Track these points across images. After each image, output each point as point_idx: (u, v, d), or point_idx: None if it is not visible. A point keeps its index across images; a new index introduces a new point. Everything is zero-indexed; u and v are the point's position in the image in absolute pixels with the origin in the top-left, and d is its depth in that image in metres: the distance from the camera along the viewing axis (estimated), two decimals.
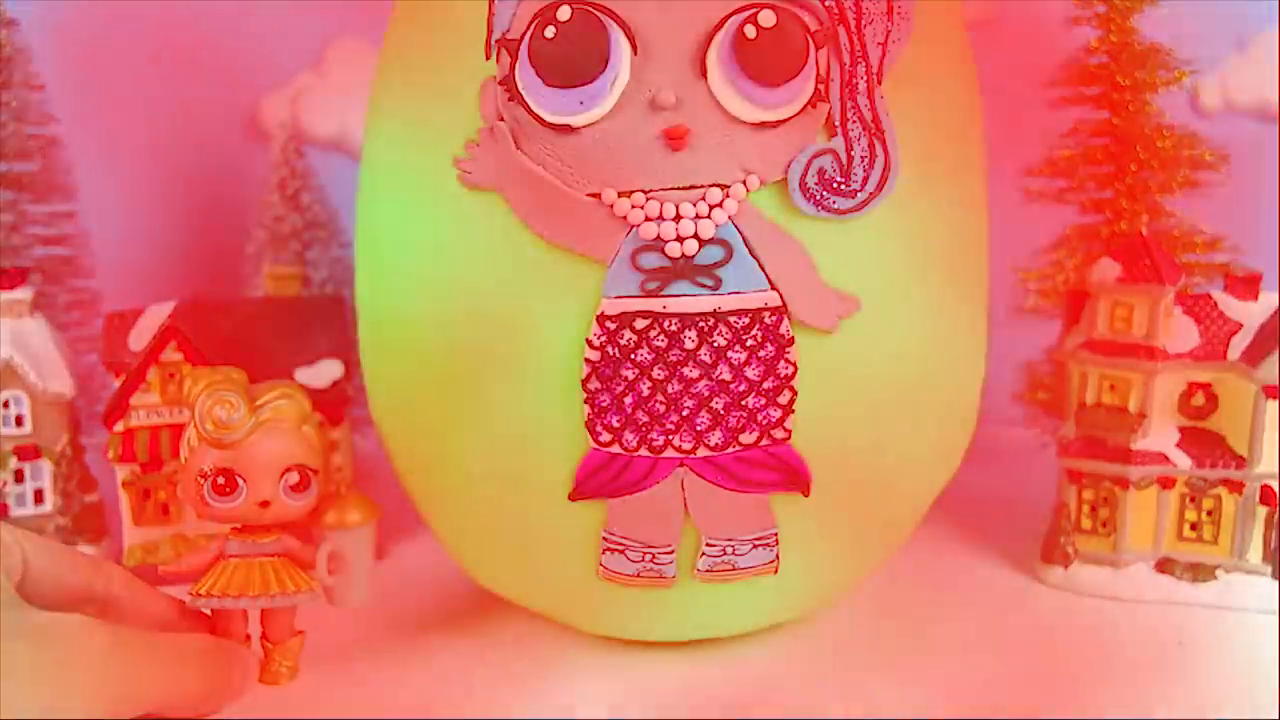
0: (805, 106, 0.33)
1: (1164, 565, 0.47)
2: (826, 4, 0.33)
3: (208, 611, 0.37)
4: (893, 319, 0.35)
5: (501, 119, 0.34)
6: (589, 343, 0.34)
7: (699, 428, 0.35)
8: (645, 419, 0.34)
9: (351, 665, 0.41)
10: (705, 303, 0.34)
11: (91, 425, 0.57)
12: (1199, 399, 0.47)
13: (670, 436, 0.35)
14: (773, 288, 0.34)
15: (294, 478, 0.36)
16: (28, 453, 0.49)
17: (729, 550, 0.36)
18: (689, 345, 0.34)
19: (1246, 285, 0.47)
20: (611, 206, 0.33)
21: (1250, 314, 0.46)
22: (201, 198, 0.75)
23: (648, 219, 0.33)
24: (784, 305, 0.34)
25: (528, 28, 0.33)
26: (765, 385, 0.34)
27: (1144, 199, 0.58)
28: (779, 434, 0.35)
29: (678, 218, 0.33)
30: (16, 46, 0.62)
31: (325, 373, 0.52)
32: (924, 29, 0.35)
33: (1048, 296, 0.61)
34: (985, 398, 0.41)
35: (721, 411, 0.34)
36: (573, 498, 0.36)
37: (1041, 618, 0.45)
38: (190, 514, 0.49)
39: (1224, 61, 0.72)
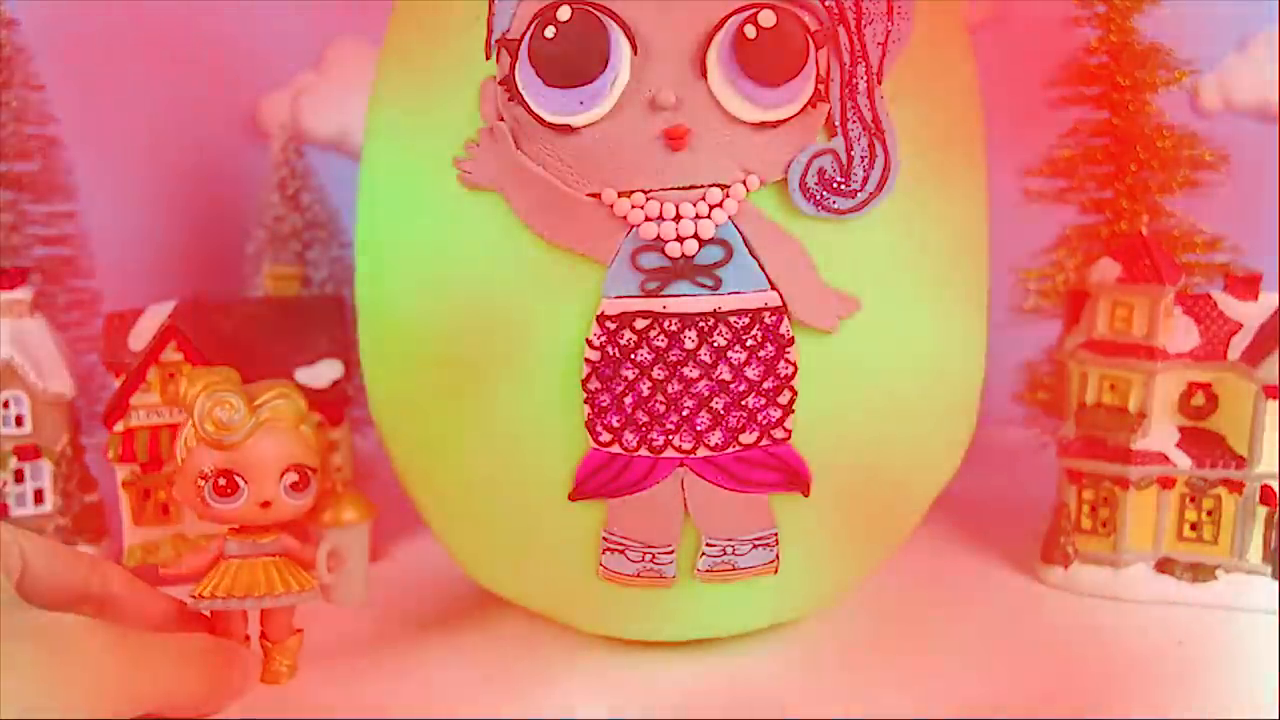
0: (805, 106, 0.33)
1: (1164, 565, 0.47)
2: (826, 4, 0.33)
3: (207, 612, 0.37)
4: (893, 319, 0.35)
5: (501, 119, 0.34)
6: (589, 343, 0.34)
7: (699, 428, 0.35)
8: (645, 419, 0.34)
9: (351, 665, 0.41)
10: (705, 303, 0.34)
11: (91, 425, 0.57)
12: (1199, 399, 0.47)
13: (670, 436, 0.35)
14: (773, 288, 0.34)
15: (293, 477, 0.36)
16: (28, 453, 0.49)
17: (729, 550, 0.36)
18: (689, 345, 0.34)
19: (1246, 285, 0.47)
20: (611, 206, 0.33)
21: (1250, 314, 0.46)
22: (201, 198, 0.75)
23: (648, 219, 0.33)
24: (784, 305, 0.34)
25: (528, 28, 0.33)
26: (765, 385, 0.34)
27: (1144, 199, 0.58)
28: (779, 434, 0.35)
29: (678, 218, 0.33)
30: (16, 46, 0.62)
31: (325, 373, 0.51)
32: (924, 29, 0.35)
33: (1048, 296, 0.61)
34: (985, 398, 0.41)
35: (721, 411, 0.34)
36: (573, 498, 0.36)
37: (1041, 618, 0.45)
38: (190, 514, 0.49)
39: (1224, 61, 0.72)
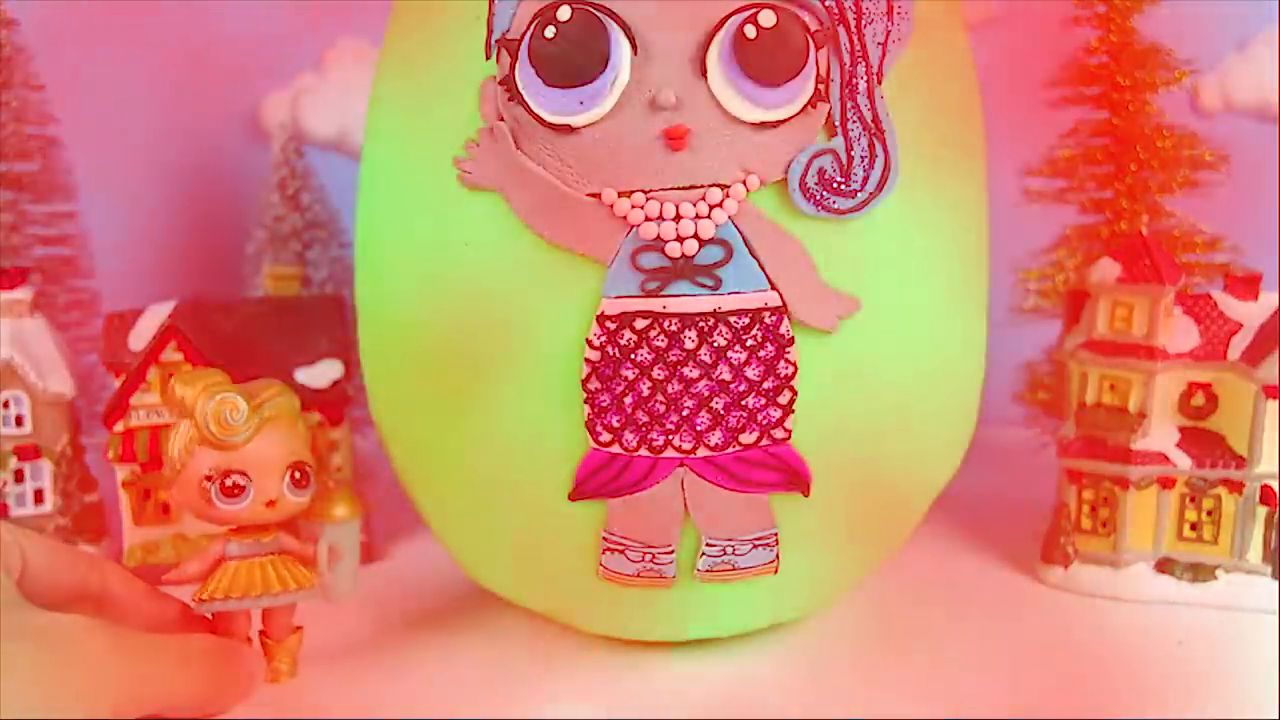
0: (805, 106, 0.33)
1: (1164, 565, 0.47)
2: (827, 4, 0.33)
3: (208, 614, 0.37)
4: (893, 319, 0.35)
5: (501, 119, 0.34)
6: (589, 343, 0.34)
7: (699, 428, 0.35)
8: (645, 419, 0.34)
9: (351, 665, 0.41)
10: (705, 303, 0.34)
11: (91, 425, 0.57)
12: (1199, 399, 0.47)
13: (670, 436, 0.35)
14: (773, 288, 0.34)
15: (295, 474, 0.36)
16: (28, 453, 0.49)
17: (729, 550, 0.36)
18: (689, 345, 0.34)
19: (1246, 285, 0.47)
20: (611, 206, 0.33)
21: (1250, 314, 0.46)
22: (201, 198, 0.75)
23: (648, 219, 0.33)
24: (784, 305, 0.34)
25: (528, 28, 0.33)
26: (765, 385, 0.34)
27: (1144, 199, 0.58)
28: (779, 434, 0.35)
29: (678, 218, 0.33)
30: (16, 46, 0.62)
31: (325, 373, 0.52)
32: (924, 29, 0.35)
33: (1048, 296, 0.61)
34: (985, 398, 0.41)
35: (721, 411, 0.34)
36: (573, 498, 0.36)
37: (1041, 618, 0.45)
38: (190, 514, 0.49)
39: (1224, 61, 0.72)
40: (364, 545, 0.51)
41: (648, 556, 0.36)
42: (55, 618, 0.29)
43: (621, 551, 0.36)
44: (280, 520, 0.37)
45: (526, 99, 0.33)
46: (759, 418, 0.34)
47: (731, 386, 0.34)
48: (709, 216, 0.33)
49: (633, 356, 0.34)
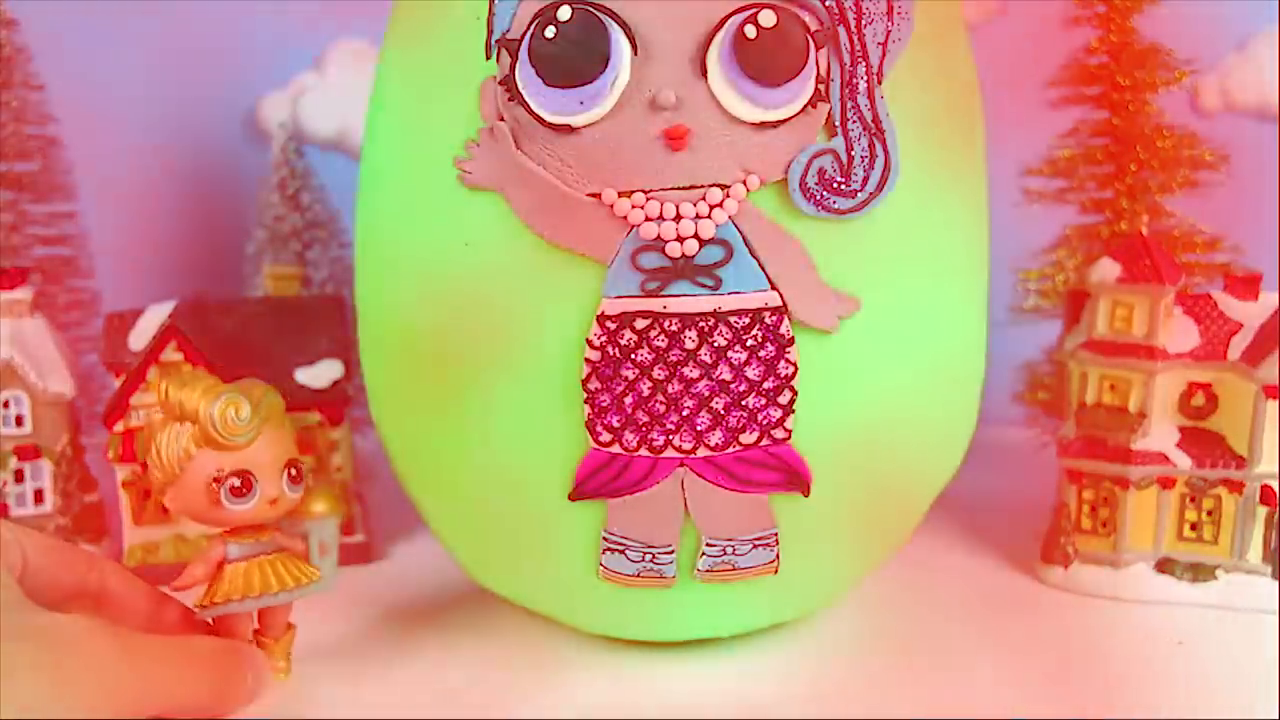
0: (805, 106, 0.33)
1: (1164, 565, 0.47)
2: (827, 4, 0.33)
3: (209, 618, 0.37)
4: (893, 319, 0.35)
5: (501, 119, 0.34)
6: (589, 343, 0.34)
7: (699, 428, 0.35)
8: (645, 419, 0.34)
9: (351, 665, 0.41)
10: (705, 303, 0.34)
11: (91, 425, 0.57)
12: (1199, 399, 0.47)
13: (670, 436, 0.35)
14: (773, 288, 0.34)
15: (292, 471, 0.37)
16: (28, 453, 0.49)
17: (729, 550, 0.36)
18: (689, 345, 0.34)
19: (1246, 285, 0.47)
20: (612, 206, 0.33)
21: (1250, 314, 0.46)
22: (201, 198, 0.75)
23: (648, 219, 0.33)
24: (784, 305, 0.34)
25: (528, 28, 0.33)
26: (765, 385, 0.34)
27: (1144, 199, 0.58)
28: (779, 434, 0.35)
29: (678, 218, 0.33)
30: (16, 46, 0.62)
31: (325, 373, 0.52)
32: (924, 29, 0.35)
33: (1048, 296, 0.61)
34: (985, 398, 0.41)
35: (722, 411, 0.34)
36: (573, 498, 0.36)
37: (1041, 618, 0.45)
38: None
39: (1224, 61, 0.72)
40: (364, 545, 0.52)
41: (648, 556, 0.36)
42: (58, 618, 0.29)
43: (621, 551, 0.36)
44: (276, 518, 0.37)
45: (526, 99, 0.33)
46: (759, 418, 0.34)
47: (732, 386, 0.34)
48: (709, 216, 0.33)
49: (633, 356, 0.34)
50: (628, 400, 0.34)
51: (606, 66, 0.33)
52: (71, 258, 0.66)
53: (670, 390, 0.34)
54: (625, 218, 0.33)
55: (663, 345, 0.34)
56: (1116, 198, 0.59)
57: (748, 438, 0.35)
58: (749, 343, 0.34)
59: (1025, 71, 0.60)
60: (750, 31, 0.32)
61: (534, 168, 0.34)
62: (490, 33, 0.34)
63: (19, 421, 0.49)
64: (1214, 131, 0.60)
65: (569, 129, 0.33)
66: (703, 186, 0.33)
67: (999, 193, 0.42)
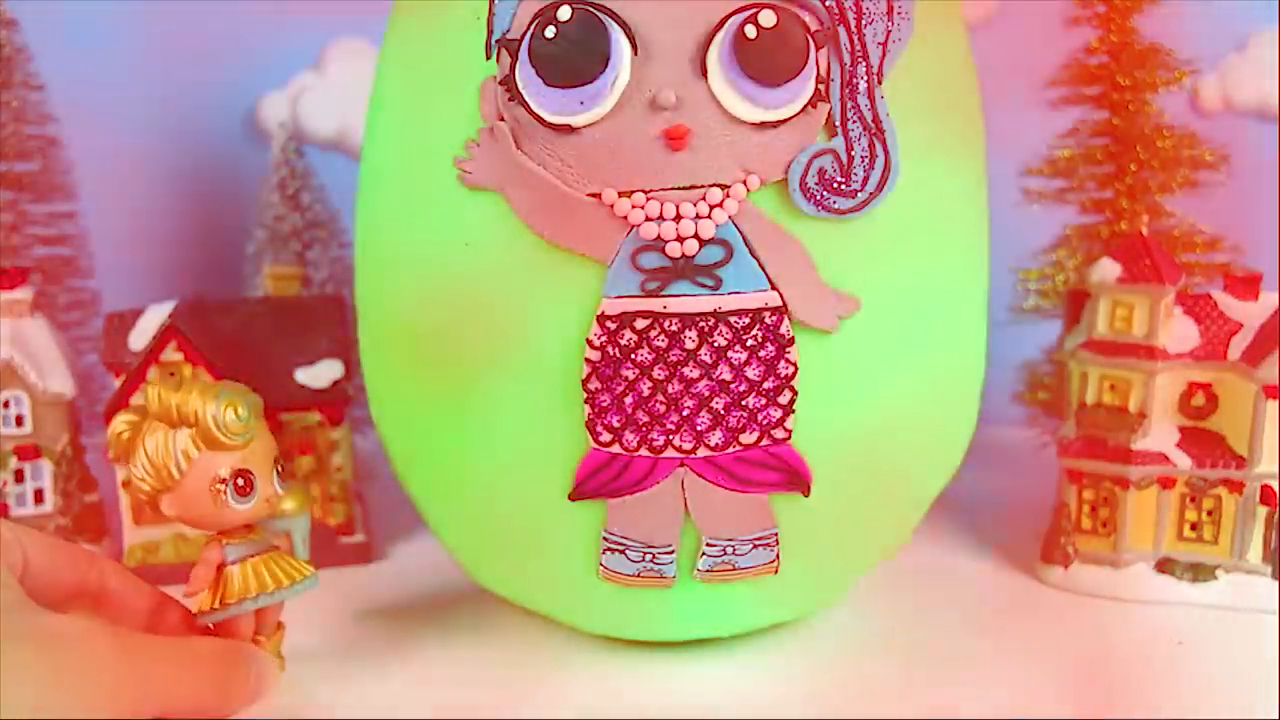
0: (805, 106, 0.33)
1: (1164, 565, 0.47)
2: (827, 4, 0.33)
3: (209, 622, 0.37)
4: (893, 319, 0.35)
5: (502, 119, 0.34)
6: (589, 343, 0.34)
7: (699, 428, 0.35)
8: (645, 419, 0.34)
9: (351, 665, 0.41)
10: (705, 303, 0.34)
11: (91, 425, 0.57)
12: (1199, 399, 0.47)
13: (670, 436, 0.35)
14: (773, 288, 0.34)
15: (280, 468, 0.37)
16: (28, 453, 0.49)
17: (729, 550, 0.36)
18: (689, 345, 0.34)
19: (1246, 285, 0.47)
20: (612, 206, 0.33)
21: (1250, 314, 0.46)
22: (201, 198, 0.75)
23: (648, 219, 0.33)
24: (784, 305, 0.34)
25: (528, 28, 0.33)
26: (765, 385, 0.34)
27: (1144, 199, 0.58)
28: (779, 434, 0.35)
29: (678, 218, 0.33)
30: (16, 46, 0.62)
31: (325, 373, 0.52)
32: (924, 29, 0.35)
33: (1048, 296, 0.61)
34: (985, 398, 0.41)
35: (722, 411, 0.34)
36: (573, 498, 0.36)
37: (1041, 618, 0.45)
38: None
39: (1224, 61, 0.72)
40: (364, 545, 0.52)
41: (648, 556, 0.36)
42: (59, 619, 0.29)
43: (621, 551, 0.36)
44: (268, 517, 0.37)
45: (527, 99, 0.33)
46: (759, 418, 0.34)
47: (732, 386, 0.34)
48: (709, 216, 0.33)
49: (633, 356, 0.34)
50: (628, 400, 0.34)
51: (606, 66, 0.33)
52: (71, 258, 0.66)
53: (670, 390, 0.34)
54: (625, 218, 0.33)
55: (663, 345, 0.34)
56: (1116, 198, 0.59)
57: (748, 438, 0.35)
58: (749, 343, 0.34)
59: (1025, 71, 0.60)
60: (750, 31, 0.32)
61: (534, 168, 0.34)
62: (490, 33, 0.34)
63: (19, 421, 0.49)
64: (1214, 131, 0.60)
65: (569, 129, 0.33)
66: (703, 186, 0.33)
67: (999, 193, 0.42)
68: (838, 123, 0.34)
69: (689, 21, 0.33)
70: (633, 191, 0.33)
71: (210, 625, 0.37)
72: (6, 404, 0.48)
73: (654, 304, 0.34)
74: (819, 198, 0.34)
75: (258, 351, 0.51)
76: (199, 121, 0.74)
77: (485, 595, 0.43)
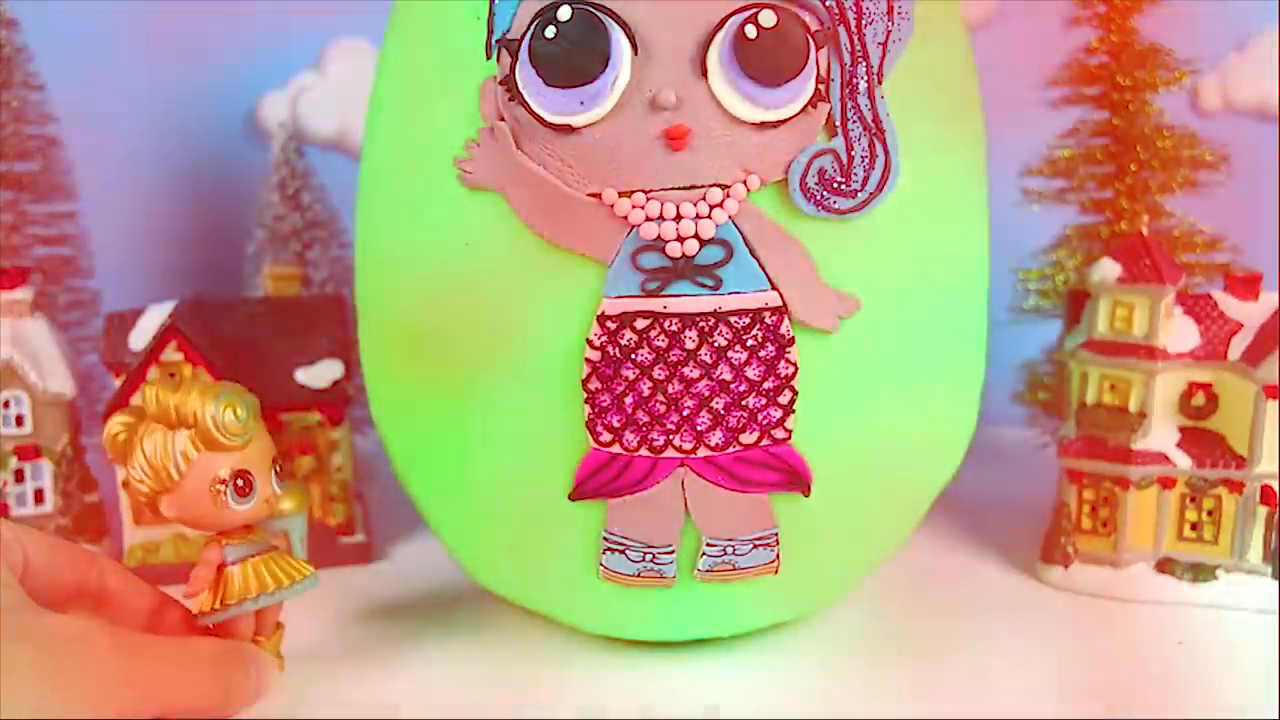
0: (806, 106, 0.33)
1: (1164, 565, 0.47)
2: (827, 4, 0.33)
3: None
4: (893, 319, 0.35)
5: (502, 119, 0.34)
6: (589, 343, 0.34)
7: (699, 428, 0.35)
8: (646, 419, 0.34)
9: (351, 665, 0.41)
10: (706, 303, 0.34)
11: (91, 425, 0.57)
12: (1199, 399, 0.47)
13: (671, 436, 0.35)
14: (773, 288, 0.34)
15: (278, 468, 0.37)
16: (28, 453, 0.49)
17: (729, 550, 0.36)
18: (689, 345, 0.34)
19: (1246, 285, 0.47)
20: (612, 206, 0.33)
21: (1250, 314, 0.46)
22: (201, 198, 0.75)
23: (648, 219, 0.33)
24: (784, 305, 0.34)
25: (528, 28, 0.33)
26: (766, 385, 0.34)
27: (1144, 199, 0.58)
28: (779, 434, 0.35)
29: (678, 218, 0.33)
30: (16, 46, 0.62)
31: (325, 373, 0.52)
32: (924, 29, 0.35)
33: (1048, 296, 0.61)
34: (985, 398, 0.41)
35: (722, 411, 0.34)
36: (573, 498, 0.36)
37: (1041, 618, 0.45)
38: None
39: (1224, 61, 0.72)
40: (364, 545, 0.52)
41: (648, 556, 0.36)
42: (60, 619, 0.29)
43: (622, 551, 0.36)
44: (267, 517, 0.37)
45: (527, 99, 0.33)
46: (759, 418, 0.34)
47: (732, 386, 0.34)
48: (709, 216, 0.33)
49: (633, 356, 0.34)
50: (628, 400, 0.34)
51: (607, 66, 0.33)
52: (71, 258, 0.66)
53: (670, 390, 0.34)
54: (625, 218, 0.33)
55: (663, 345, 0.34)
56: (1116, 198, 0.59)
57: (748, 438, 0.35)
58: (749, 343, 0.34)
59: (1025, 71, 0.60)
60: (750, 31, 0.32)
61: (534, 168, 0.34)
62: (490, 33, 0.34)
63: (19, 421, 0.49)
64: (1214, 131, 0.60)
65: (569, 129, 0.33)
66: (703, 186, 0.33)
67: (999, 193, 0.42)
68: (838, 123, 0.34)
69: (689, 21, 0.33)
70: (633, 191, 0.33)
71: (210, 625, 0.37)
72: (6, 404, 0.48)
73: (654, 304, 0.34)
74: (819, 198, 0.34)
75: (258, 351, 0.51)
76: (199, 121, 0.74)
77: (485, 595, 0.43)
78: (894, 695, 0.39)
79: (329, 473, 0.52)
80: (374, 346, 0.40)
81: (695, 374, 0.34)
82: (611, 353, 0.34)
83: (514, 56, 0.33)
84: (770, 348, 0.34)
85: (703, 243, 0.33)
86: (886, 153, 0.34)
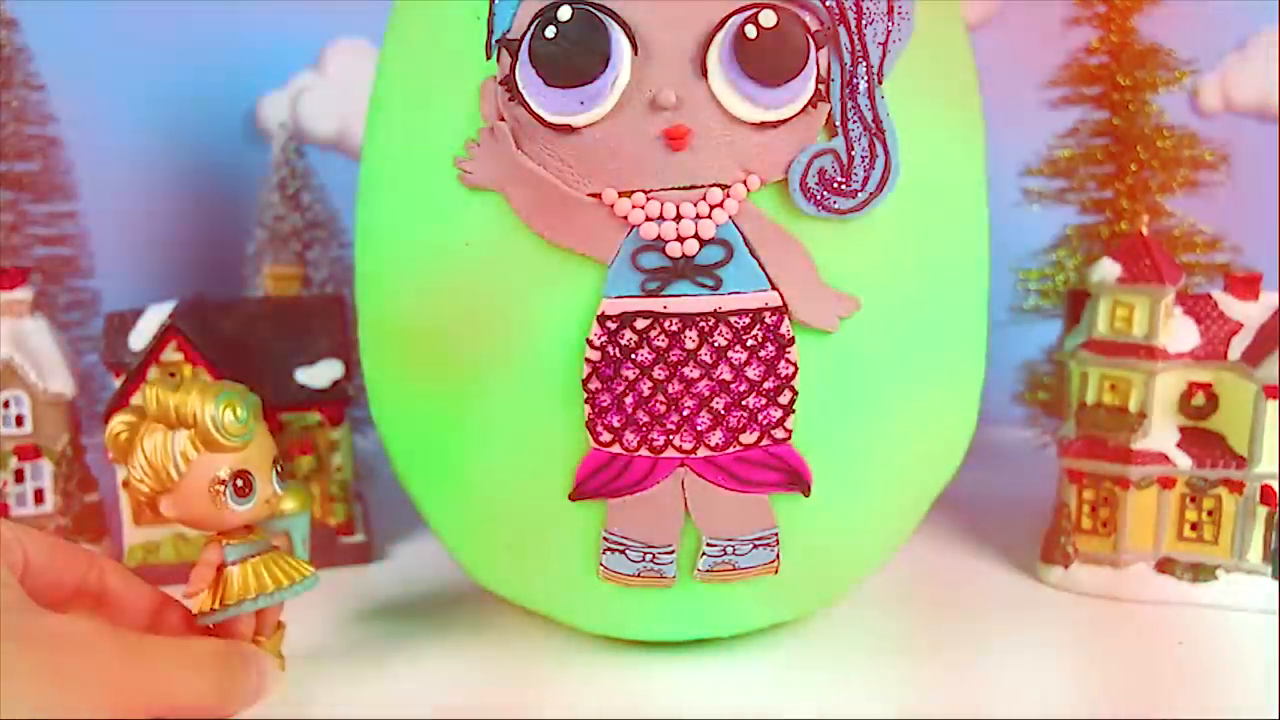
0: (806, 106, 0.33)
1: (1164, 565, 0.47)
2: (827, 4, 0.33)
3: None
4: (893, 319, 0.35)
5: (502, 119, 0.34)
6: (589, 343, 0.34)
7: (699, 428, 0.35)
8: (646, 419, 0.34)
9: (351, 665, 0.41)
10: (706, 303, 0.34)
11: (91, 425, 0.57)
12: (1199, 399, 0.47)
13: (671, 436, 0.35)
14: (773, 288, 0.34)
15: (279, 468, 0.37)
16: (28, 453, 0.49)
17: (729, 550, 0.36)
18: (690, 345, 0.34)
19: (1246, 285, 0.47)
20: (612, 206, 0.33)
21: (1250, 314, 0.46)
22: (201, 198, 0.75)
23: (648, 219, 0.33)
24: (784, 305, 0.34)
25: (528, 28, 0.33)
26: (766, 385, 0.34)
27: (1144, 199, 0.58)
28: (779, 434, 0.35)
29: (678, 218, 0.33)
30: (16, 46, 0.62)
31: (325, 373, 0.52)
32: (924, 29, 0.35)
33: (1048, 296, 0.61)
34: (985, 398, 0.41)
35: (722, 411, 0.34)
36: (573, 498, 0.36)
37: (1041, 618, 0.45)
38: None
39: (1224, 61, 0.72)
40: (364, 545, 0.52)
41: (648, 556, 0.36)
42: (60, 619, 0.29)
43: (622, 551, 0.36)
44: (268, 517, 0.37)
45: (527, 99, 0.33)
46: (759, 418, 0.34)
47: (732, 386, 0.34)
48: (709, 216, 0.33)
49: (633, 356, 0.34)
50: (628, 400, 0.34)
51: (607, 66, 0.33)
52: (71, 258, 0.66)
53: (671, 390, 0.34)
54: (625, 218, 0.33)
55: (663, 345, 0.34)
56: (1116, 198, 0.59)
57: (748, 438, 0.35)
58: (749, 343, 0.34)
59: (1025, 71, 0.60)
60: (751, 31, 0.32)
61: (534, 168, 0.34)
62: (490, 33, 0.34)
63: (19, 421, 0.49)
64: (1214, 131, 0.60)
65: (569, 129, 0.33)
66: (703, 186, 0.33)
67: (999, 193, 0.42)
68: (838, 123, 0.34)
69: (689, 21, 0.33)
70: (633, 191, 0.33)
71: (210, 626, 0.37)
72: (6, 404, 0.48)
73: (654, 304, 0.34)
74: (819, 198, 0.34)
75: (258, 351, 0.51)
76: (199, 121, 0.74)
77: (485, 595, 0.43)
78: (894, 695, 0.39)
79: (329, 473, 0.52)
80: (374, 346, 0.40)
81: (695, 374, 0.34)
82: (611, 353, 0.34)
83: (514, 56, 0.33)
84: (770, 348, 0.34)
85: (703, 243, 0.33)
86: (886, 153, 0.34)
